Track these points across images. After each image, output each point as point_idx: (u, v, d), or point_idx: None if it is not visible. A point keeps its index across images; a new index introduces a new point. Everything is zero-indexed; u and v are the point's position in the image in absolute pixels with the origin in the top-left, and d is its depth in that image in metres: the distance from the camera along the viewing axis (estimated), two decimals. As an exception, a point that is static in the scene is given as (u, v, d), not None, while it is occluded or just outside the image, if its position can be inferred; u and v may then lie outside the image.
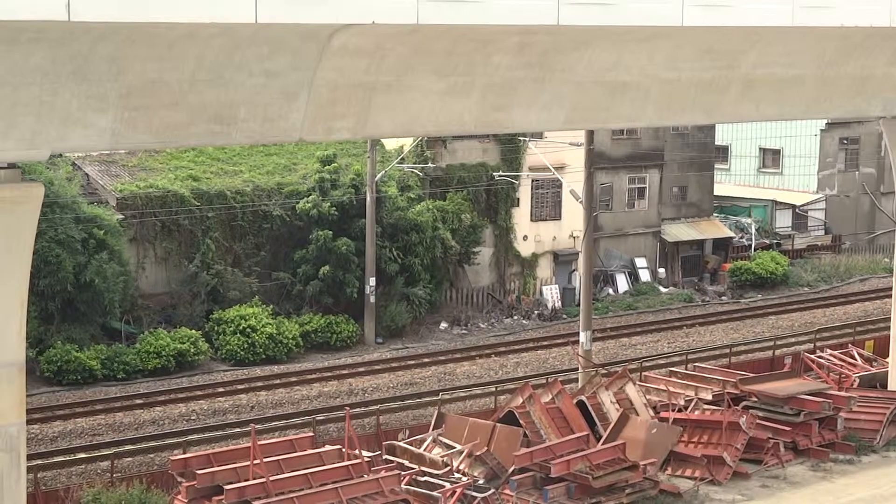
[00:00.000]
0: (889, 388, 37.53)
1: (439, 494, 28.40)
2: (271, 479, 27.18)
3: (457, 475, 29.93)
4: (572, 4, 23.72)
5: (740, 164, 74.85)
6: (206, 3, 19.69)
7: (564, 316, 56.42)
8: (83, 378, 43.08)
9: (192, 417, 39.73)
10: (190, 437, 35.26)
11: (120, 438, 37.03)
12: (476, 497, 28.71)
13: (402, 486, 28.51)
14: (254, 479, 27.32)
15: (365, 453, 29.25)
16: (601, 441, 31.90)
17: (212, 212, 49.81)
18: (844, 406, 34.65)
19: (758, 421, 33.20)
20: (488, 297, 57.21)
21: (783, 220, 71.65)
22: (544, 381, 36.52)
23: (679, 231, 64.30)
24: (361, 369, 46.02)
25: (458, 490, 28.73)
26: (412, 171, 54.77)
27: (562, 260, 59.65)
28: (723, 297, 61.82)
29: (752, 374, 36.76)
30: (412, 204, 53.59)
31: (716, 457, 31.79)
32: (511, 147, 57.81)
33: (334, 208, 50.72)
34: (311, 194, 51.15)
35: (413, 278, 52.48)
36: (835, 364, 40.10)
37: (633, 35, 26.05)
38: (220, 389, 42.79)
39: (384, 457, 30.81)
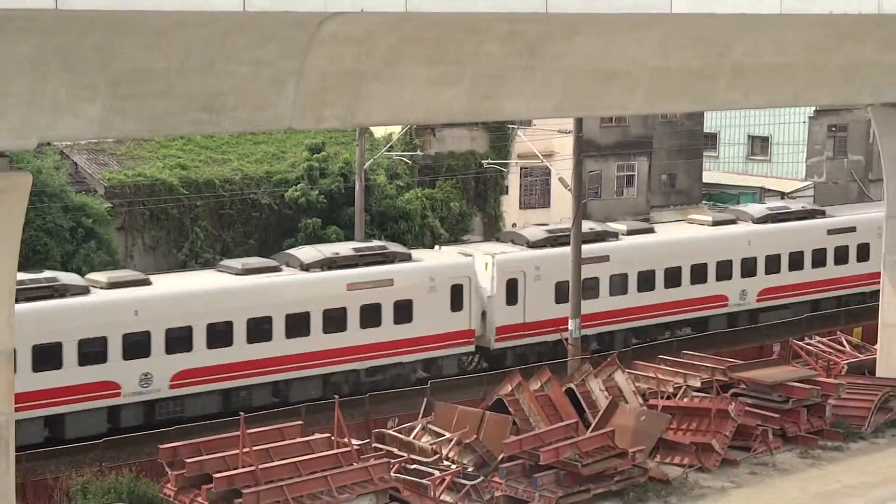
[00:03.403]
0: (877, 375, 37.61)
1: (429, 482, 28.43)
2: (260, 467, 27.18)
3: (446, 463, 29.96)
4: (561, -8, 23.76)
5: (729, 151, 74.80)
6: (194, -8, 19.69)
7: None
8: (72, 367, 42.86)
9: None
10: (179, 425, 35.18)
11: (109, 427, 36.91)
12: (465, 485, 28.73)
13: (392, 474, 28.54)
14: (243, 467, 27.31)
15: (354, 441, 29.25)
16: (590, 429, 31.93)
17: (200, 200, 49.75)
18: (833, 393, 34.72)
19: (746, 408, 33.23)
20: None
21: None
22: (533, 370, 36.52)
23: (668, 219, 64.31)
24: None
25: (448, 478, 28.76)
26: (401, 160, 54.72)
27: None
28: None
29: (740, 362, 36.82)
30: (401, 192, 53.57)
31: (705, 444, 31.84)
32: (500, 135, 57.79)
33: (323, 196, 50.67)
34: (299, 182, 51.09)
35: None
36: (823, 351, 40.13)
37: (622, 23, 26.05)
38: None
39: (373, 445, 30.82)
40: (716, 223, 49.19)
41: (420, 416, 32.66)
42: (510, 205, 59.00)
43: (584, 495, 29.23)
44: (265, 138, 54.48)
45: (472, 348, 41.95)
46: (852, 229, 50.74)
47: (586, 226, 44.55)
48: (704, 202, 67.91)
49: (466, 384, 39.34)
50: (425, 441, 31.08)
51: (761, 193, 71.00)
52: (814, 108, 69.32)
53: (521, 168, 58.59)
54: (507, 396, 32.79)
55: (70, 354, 34.58)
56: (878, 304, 38.45)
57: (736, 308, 47.83)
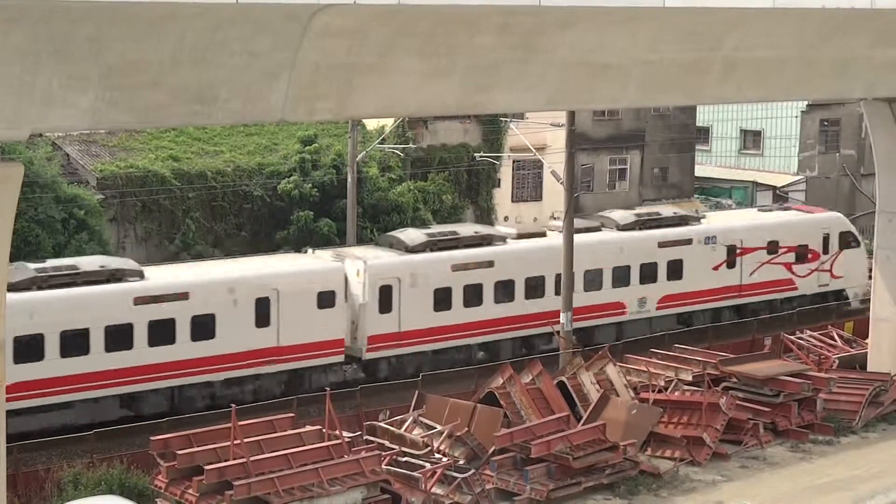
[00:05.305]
0: (868, 370, 37.67)
1: (420, 475, 28.42)
2: (252, 459, 27.16)
3: (437, 456, 29.95)
4: (554, -15, 23.77)
5: (721, 145, 74.91)
6: (187, -17, 19.67)
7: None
8: (63, 358, 42.76)
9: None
10: (170, 417, 35.17)
11: (101, 419, 36.88)
12: (456, 478, 28.72)
13: (383, 466, 28.53)
14: (234, 459, 27.30)
15: (345, 434, 29.24)
16: (581, 422, 31.94)
17: (192, 192, 49.71)
18: (824, 387, 34.76)
19: (737, 402, 33.28)
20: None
21: (764, 202, 71.79)
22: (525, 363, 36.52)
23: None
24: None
25: (439, 471, 28.75)
26: (393, 152, 54.70)
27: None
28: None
29: (732, 355, 36.86)
30: (393, 185, 53.58)
31: (696, 437, 31.86)
32: (492, 128, 57.81)
33: (315, 189, 50.66)
34: (292, 175, 51.09)
35: (394, 259, 52.42)
36: (814, 345, 40.18)
37: (615, 16, 26.05)
38: (201, 370, 42.32)
39: (365, 437, 30.81)
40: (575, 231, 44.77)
41: (411, 408, 32.65)
42: (502, 198, 59.03)
43: (574, 488, 29.25)
44: (257, 130, 54.45)
45: (341, 358, 40.06)
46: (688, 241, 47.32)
47: (471, 229, 43.77)
48: (696, 196, 68.02)
49: (458, 377, 39.40)
50: (416, 434, 31.07)
51: (753, 188, 71.14)
52: (806, 103, 69.41)
53: (514, 161, 58.61)
54: (499, 389, 32.78)
55: None
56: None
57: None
